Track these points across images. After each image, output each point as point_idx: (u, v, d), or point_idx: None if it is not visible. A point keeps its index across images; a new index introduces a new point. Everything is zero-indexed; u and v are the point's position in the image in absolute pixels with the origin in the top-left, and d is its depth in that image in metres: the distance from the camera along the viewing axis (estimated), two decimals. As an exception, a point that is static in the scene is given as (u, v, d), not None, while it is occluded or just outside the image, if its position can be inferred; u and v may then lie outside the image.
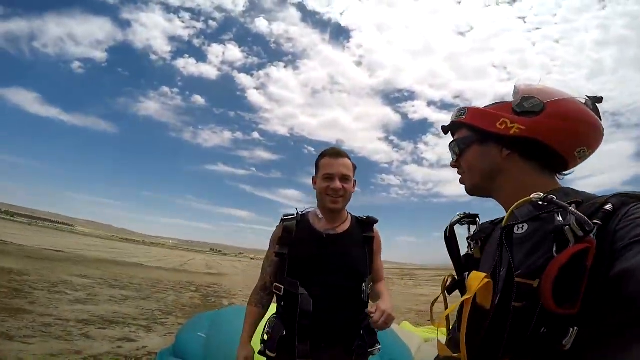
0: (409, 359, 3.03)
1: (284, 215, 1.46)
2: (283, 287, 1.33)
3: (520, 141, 0.68)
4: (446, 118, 0.87)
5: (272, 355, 1.27)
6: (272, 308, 1.48)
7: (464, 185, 0.80)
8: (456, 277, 0.81)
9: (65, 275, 8.77)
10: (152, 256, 31.99)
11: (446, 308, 0.75)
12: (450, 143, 0.81)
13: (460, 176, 0.81)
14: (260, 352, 1.33)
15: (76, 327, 4.27)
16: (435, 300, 0.83)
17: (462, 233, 0.83)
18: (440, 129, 0.86)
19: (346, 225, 1.42)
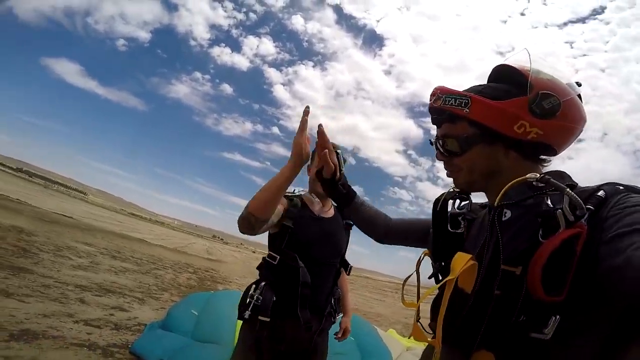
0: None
1: (287, 192, 1.50)
2: (279, 257, 1.42)
3: (533, 145, 0.64)
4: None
5: (266, 319, 1.33)
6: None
7: (453, 180, 0.76)
8: (430, 255, 0.79)
9: (71, 241, 9.01)
10: (155, 234, 32.57)
11: (418, 285, 0.73)
12: (444, 138, 0.71)
13: (446, 170, 0.76)
14: (248, 317, 1.34)
15: (73, 292, 4.40)
16: (408, 277, 0.80)
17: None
18: None
19: (332, 211, 1.63)
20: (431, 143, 0.77)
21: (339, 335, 1.74)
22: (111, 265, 7.40)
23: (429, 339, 0.68)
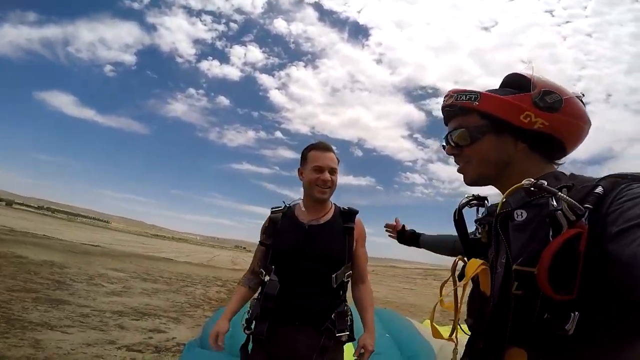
0: (432, 357, 3.00)
1: (272, 208, 1.58)
2: (264, 272, 1.45)
3: (539, 135, 0.67)
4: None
5: (248, 332, 1.43)
6: None
7: (463, 174, 0.78)
8: (466, 259, 0.80)
9: (101, 269, 9.26)
10: (180, 251, 33.23)
11: (455, 289, 0.77)
12: (455, 129, 0.74)
13: (458, 164, 0.78)
14: (243, 330, 1.45)
15: (111, 318, 4.50)
16: (445, 282, 0.85)
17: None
18: None
19: (329, 216, 1.52)
20: (443, 147, 0.81)
21: (356, 356, 1.42)
22: (143, 287, 7.55)
23: (445, 338, 0.77)
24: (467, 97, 0.71)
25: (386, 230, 1.51)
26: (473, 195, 0.81)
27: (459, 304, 0.71)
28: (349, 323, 1.45)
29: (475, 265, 0.66)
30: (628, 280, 0.46)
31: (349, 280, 1.48)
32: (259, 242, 1.54)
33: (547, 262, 0.50)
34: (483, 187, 0.79)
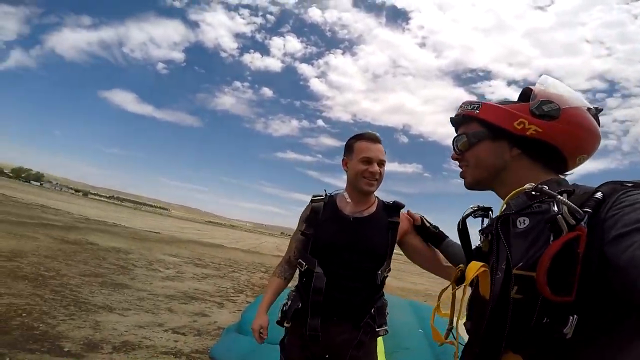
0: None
1: (313, 196, 1.53)
2: (304, 263, 1.41)
3: (534, 142, 0.70)
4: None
5: (287, 325, 1.40)
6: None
7: (463, 178, 0.82)
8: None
9: (160, 254, 10.20)
10: (231, 238, 35.32)
11: (453, 299, 0.79)
12: (458, 135, 0.82)
13: (460, 169, 0.83)
14: (277, 322, 1.44)
15: (163, 302, 4.95)
16: (444, 290, 0.86)
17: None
18: None
19: (372, 209, 1.46)
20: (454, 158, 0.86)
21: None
22: (194, 272, 8.19)
23: (446, 341, 0.81)
24: (471, 107, 0.79)
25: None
26: (478, 206, 0.84)
27: (458, 307, 0.74)
28: (386, 316, 1.43)
29: (475, 267, 0.67)
30: (625, 284, 0.47)
31: (388, 275, 1.45)
32: (299, 231, 1.49)
33: (546, 263, 0.51)
34: (482, 191, 0.82)
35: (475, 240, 0.84)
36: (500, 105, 0.74)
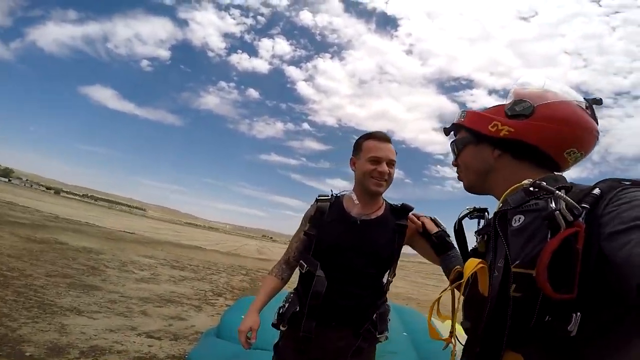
0: (448, 358, 2.90)
1: (319, 195, 1.48)
2: (305, 265, 1.36)
3: (509, 142, 0.72)
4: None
5: (284, 329, 1.36)
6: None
7: (462, 183, 0.85)
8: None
9: (134, 256, 9.78)
10: (210, 240, 34.53)
11: (453, 300, 0.78)
12: (451, 143, 0.86)
13: (457, 175, 0.85)
14: (273, 324, 1.39)
15: (137, 305, 4.70)
16: (443, 292, 0.85)
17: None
18: None
19: (380, 212, 1.41)
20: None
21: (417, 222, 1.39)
22: (170, 275, 7.88)
23: (442, 338, 0.83)
24: (460, 116, 0.83)
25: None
26: (474, 207, 0.85)
27: (457, 305, 0.74)
28: (388, 323, 1.38)
29: (473, 264, 0.66)
30: (621, 281, 0.47)
31: (392, 280, 1.39)
32: (303, 231, 1.42)
33: (546, 260, 0.50)
34: (478, 195, 0.83)
35: (473, 241, 0.84)
36: (478, 111, 0.79)
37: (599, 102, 0.71)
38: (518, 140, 0.70)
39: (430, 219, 1.38)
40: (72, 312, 3.75)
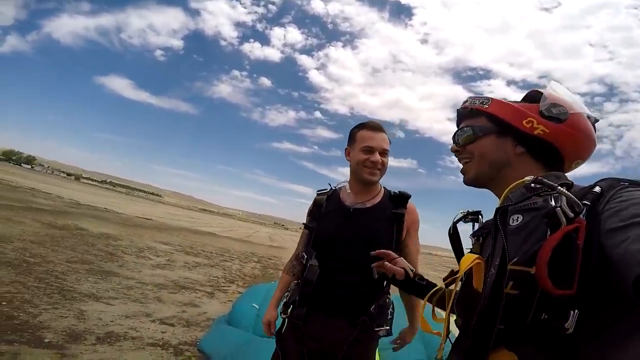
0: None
1: (318, 190, 1.53)
2: (305, 256, 1.42)
3: (538, 142, 0.71)
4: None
5: (284, 316, 1.43)
6: None
7: (464, 174, 0.82)
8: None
9: (151, 242, 10.07)
10: (224, 226, 35.22)
11: (447, 302, 0.78)
12: (463, 128, 0.81)
13: (461, 164, 0.82)
14: (280, 314, 1.48)
15: (152, 291, 4.85)
16: (436, 289, 0.86)
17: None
18: None
19: (376, 200, 1.42)
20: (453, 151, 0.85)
21: (393, 344, 1.52)
22: (185, 261, 8.09)
23: (434, 332, 0.83)
24: (480, 101, 0.79)
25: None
26: (468, 211, 0.85)
27: (450, 299, 0.74)
28: (389, 317, 1.38)
29: (470, 259, 0.67)
30: (618, 278, 0.47)
31: None
32: (304, 225, 1.51)
33: (546, 255, 0.50)
34: (478, 189, 0.81)
35: (469, 245, 0.85)
36: (511, 103, 0.76)
37: (597, 120, 0.75)
38: (548, 142, 0.71)
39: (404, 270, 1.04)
40: (90, 298, 3.90)
